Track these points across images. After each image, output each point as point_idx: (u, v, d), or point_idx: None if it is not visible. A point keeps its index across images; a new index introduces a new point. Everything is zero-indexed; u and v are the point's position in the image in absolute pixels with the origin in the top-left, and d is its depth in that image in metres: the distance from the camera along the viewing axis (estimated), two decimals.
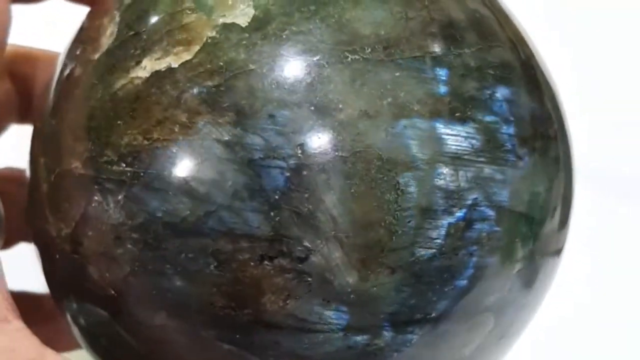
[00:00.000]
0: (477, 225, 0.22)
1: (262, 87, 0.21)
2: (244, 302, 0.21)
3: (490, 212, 0.22)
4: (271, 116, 0.21)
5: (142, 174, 0.21)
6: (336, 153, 0.20)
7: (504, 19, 0.25)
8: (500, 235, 0.22)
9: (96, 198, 0.22)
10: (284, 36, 0.21)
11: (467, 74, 0.22)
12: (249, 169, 0.20)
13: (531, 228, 0.23)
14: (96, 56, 0.23)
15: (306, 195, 0.20)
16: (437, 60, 0.22)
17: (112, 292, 0.22)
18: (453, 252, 0.22)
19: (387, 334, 0.22)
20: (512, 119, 0.23)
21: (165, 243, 0.21)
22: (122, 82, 0.22)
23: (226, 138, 0.21)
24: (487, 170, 0.22)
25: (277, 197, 0.20)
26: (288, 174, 0.20)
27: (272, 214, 0.20)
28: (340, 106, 0.21)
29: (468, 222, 0.22)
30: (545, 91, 0.25)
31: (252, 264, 0.21)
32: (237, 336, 0.21)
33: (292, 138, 0.20)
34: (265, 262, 0.21)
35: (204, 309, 0.21)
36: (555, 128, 0.24)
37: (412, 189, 0.21)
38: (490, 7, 0.25)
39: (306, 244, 0.21)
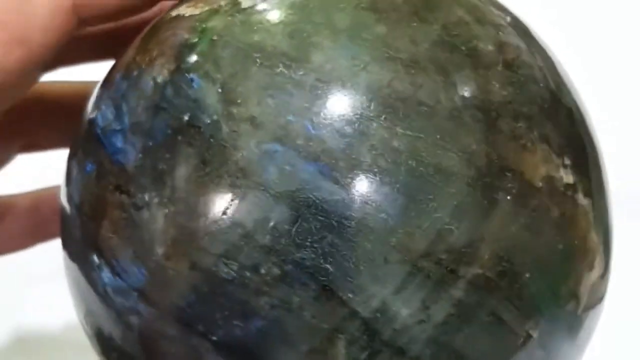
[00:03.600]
0: (293, 286, 0.20)
1: (204, 55, 0.22)
2: (94, 215, 0.23)
3: (314, 285, 0.20)
4: (191, 80, 0.22)
5: (122, 83, 0.24)
6: (209, 134, 0.21)
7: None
8: (318, 314, 0.20)
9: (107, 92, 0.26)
10: (256, 28, 0.22)
11: (379, 147, 0.20)
12: (150, 110, 0.22)
13: (369, 340, 0.20)
14: None
15: (167, 155, 0.21)
16: (365, 121, 0.20)
17: None
18: (254, 293, 0.20)
19: (172, 326, 0.21)
20: (394, 216, 0.20)
21: (103, 139, 0.24)
22: (166, 16, 0.25)
23: (158, 80, 0.23)
24: (331, 241, 0.20)
25: (150, 144, 0.22)
26: (169, 131, 0.22)
27: (140, 155, 0.22)
28: (239, 101, 0.21)
29: (282, 275, 0.20)
30: (497, 227, 0.21)
31: (110, 187, 0.23)
32: (84, 243, 0.24)
33: (187, 103, 0.22)
34: (117, 193, 0.22)
35: (80, 207, 0.24)
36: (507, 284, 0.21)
37: (244, 206, 0.20)
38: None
39: (145, 196, 0.22)
